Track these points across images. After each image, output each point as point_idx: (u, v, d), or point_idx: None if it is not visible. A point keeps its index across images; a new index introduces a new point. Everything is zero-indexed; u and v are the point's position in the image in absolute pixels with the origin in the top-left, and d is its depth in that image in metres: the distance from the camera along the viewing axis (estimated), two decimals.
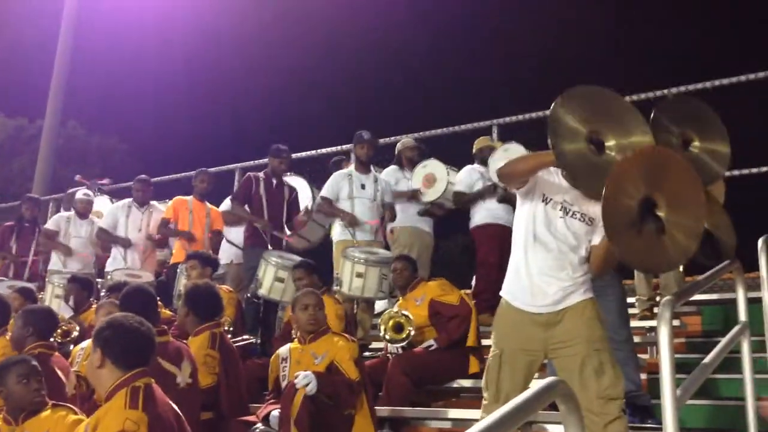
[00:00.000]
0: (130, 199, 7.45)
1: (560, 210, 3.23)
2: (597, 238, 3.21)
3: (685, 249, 2.99)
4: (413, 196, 6.82)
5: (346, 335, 4.50)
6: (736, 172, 6.81)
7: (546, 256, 3.19)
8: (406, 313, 4.96)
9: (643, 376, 4.92)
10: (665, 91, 7.07)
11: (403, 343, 4.90)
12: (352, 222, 6.23)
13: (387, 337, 4.93)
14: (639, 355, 5.12)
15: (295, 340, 4.46)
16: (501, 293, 3.34)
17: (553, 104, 3.06)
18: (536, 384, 1.97)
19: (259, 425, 4.10)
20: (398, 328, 4.94)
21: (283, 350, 4.44)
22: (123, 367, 2.87)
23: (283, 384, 4.21)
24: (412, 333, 4.88)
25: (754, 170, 6.96)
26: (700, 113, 3.39)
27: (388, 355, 5.08)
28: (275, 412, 4.06)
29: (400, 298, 5.37)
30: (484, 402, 3.28)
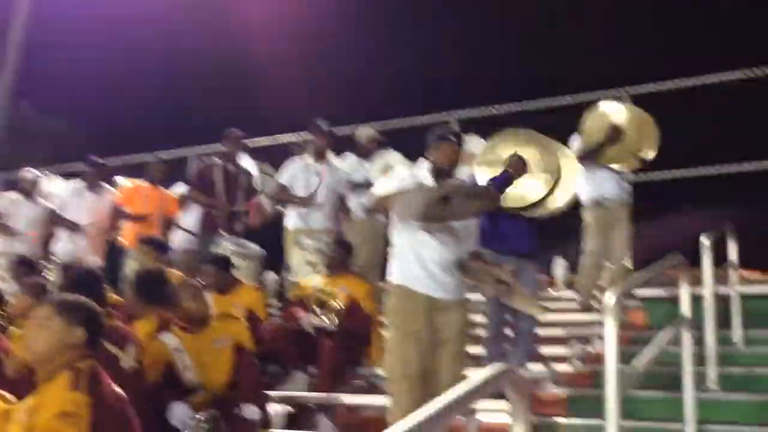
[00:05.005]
0: (81, 181, 7.27)
1: None
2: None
3: None
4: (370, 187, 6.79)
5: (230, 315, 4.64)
6: (678, 173, 7.10)
7: (442, 249, 3.67)
8: (334, 297, 5.04)
9: (588, 367, 5.01)
10: None
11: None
12: (306, 203, 6.18)
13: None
14: (585, 347, 5.22)
15: (175, 329, 4.19)
16: (396, 280, 3.72)
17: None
18: (484, 370, 1.97)
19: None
20: (323, 304, 5.02)
21: (171, 340, 4.11)
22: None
23: (187, 375, 4.02)
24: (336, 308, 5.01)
25: (704, 170, 7.18)
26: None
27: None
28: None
29: (326, 277, 5.36)
30: (391, 384, 3.64)
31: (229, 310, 5.21)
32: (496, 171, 4.25)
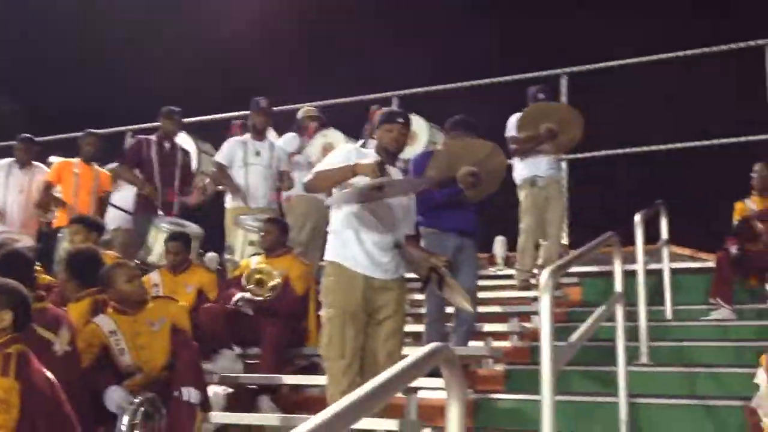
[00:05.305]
0: (12, 159, 7.01)
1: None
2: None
3: None
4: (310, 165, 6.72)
5: (167, 296, 4.58)
6: (612, 152, 7.30)
7: (381, 229, 3.68)
8: (271, 272, 4.98)
9: (526, 344, 5.13)
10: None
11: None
12: (238, 193, 6.13)
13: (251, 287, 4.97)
14: (523, 324, 5.33)
15: (110, 311, 4.09)
16: (333, 258, 3.74)
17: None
18: (420, 349, 1.99)
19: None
20: (260, 282, 4.98)
21: (106, 323, 4.00)
22: None
23: (123, 358, 3.95)
24: (273, 285, 4.93)
25: (637, 149, 7.37)
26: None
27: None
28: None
29: (265, 257, 5.27)
30: (328, 362, 3.66)
31: (181, 290, 5.16)
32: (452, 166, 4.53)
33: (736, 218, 5.85)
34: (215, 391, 4.36)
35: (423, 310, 5.14)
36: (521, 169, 6.27)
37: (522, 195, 6.25)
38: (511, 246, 6.94)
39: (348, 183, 3.66)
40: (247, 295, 4.95)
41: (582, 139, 6.21)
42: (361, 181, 3.61)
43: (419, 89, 8.39)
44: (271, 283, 4.91)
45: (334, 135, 6.88)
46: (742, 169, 6.04)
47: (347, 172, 3.65)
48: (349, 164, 3.66)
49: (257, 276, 4.96)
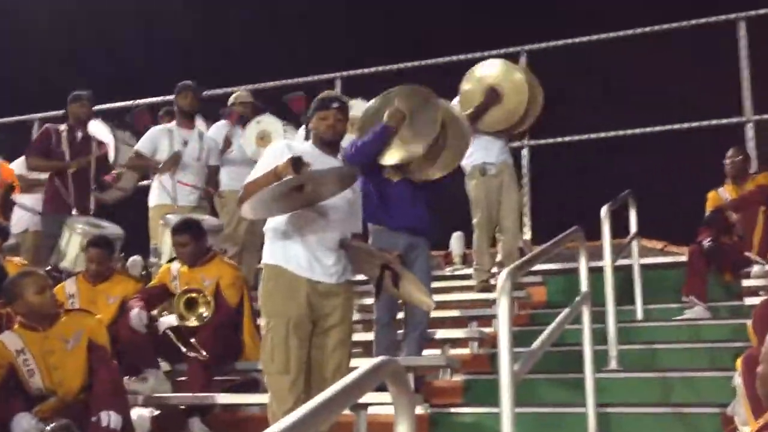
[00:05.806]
0: None
1: None
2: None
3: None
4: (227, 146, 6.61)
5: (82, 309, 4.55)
6: (576, 138, 7.41)
7: (326, 227, 3.66)
8: (205, 296, 4.77)
9: (486, 350, 5.17)
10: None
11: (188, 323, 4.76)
12: (174, 161, 5.97)
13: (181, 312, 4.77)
14: (483, 329, 5.37)
15: (17, 327, 4.04)
16: (272, 261, 3.69)
17: None
18: (365, 363, 1.98)
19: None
20: (190, 303, 4.78)
21: (12, 340, 3.97)
22: None
23: (33, 380, 3.90)
24: (205, 316, 4.72)
25: (603, 134, 7.47)
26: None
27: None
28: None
29: (189, 269, 5.06)
30: (270, 378, 3.62)
31: (102, 302, 5.04)
32: None
33: (708, 209, 5.96)
34: (140, 413, 4.29)
35: (374, 317, 5.12)
36: (470, 155, 6.08)
37: (471, 185, 6.10)
38: (470, 242, 6.96)
39: None
40: (174, 320, 4.81)
41: (541, 120, 6.22)
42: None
43: (365, 70, 8.38)
44: (201, 310, 4.74)
45: (269, 122, 6.79)
46: (716, 156, 6.15)
47: (270, 176, 3.57)
48: (272, 167, 3.59)
49: (189, 295, 4.80)
